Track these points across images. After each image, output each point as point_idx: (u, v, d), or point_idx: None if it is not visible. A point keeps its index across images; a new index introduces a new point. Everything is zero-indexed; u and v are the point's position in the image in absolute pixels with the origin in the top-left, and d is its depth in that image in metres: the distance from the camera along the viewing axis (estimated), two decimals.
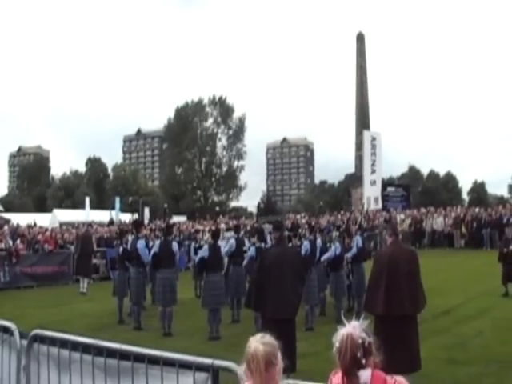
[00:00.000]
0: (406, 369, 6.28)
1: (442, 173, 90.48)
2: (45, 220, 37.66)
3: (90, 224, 29.09)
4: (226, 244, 12.98)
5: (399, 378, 2.80)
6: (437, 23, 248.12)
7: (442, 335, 9.93)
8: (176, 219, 38.88)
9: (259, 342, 2.92)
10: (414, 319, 7.06)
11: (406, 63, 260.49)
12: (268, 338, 2.99)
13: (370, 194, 36.01)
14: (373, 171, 36.34)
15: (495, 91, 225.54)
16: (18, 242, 21.36)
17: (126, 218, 34.61)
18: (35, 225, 28.24)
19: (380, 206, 36.23)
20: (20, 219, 32.20)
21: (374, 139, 36.71)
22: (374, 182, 36.24)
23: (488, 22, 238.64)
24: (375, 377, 2.74)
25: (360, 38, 44.19)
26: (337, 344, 2.76)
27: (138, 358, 3.88)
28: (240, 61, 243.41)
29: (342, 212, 36.79)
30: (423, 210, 35.22)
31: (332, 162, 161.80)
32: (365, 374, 2.72)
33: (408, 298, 6.86)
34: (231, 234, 14.04)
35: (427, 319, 9.75)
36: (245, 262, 12.83)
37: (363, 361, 2.71)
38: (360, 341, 2.72)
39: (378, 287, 7.01)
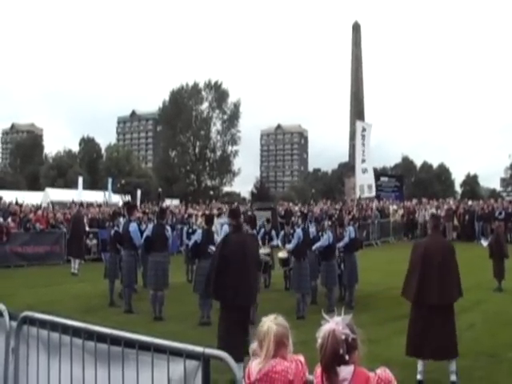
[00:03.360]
0: (438, 355, 6.96)
1: (435, 164, 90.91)
2: (37, 198, 37.42)
3: (81, 204, 28.89)
4: (220, 230, 12.92)
5: (381, 372, 2.79)
6: (432, 13, 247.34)
7: None
8: (169, 202, 38.75)
9: (273, 322, 3.03)
10: (448, 308, 7.37)
11: (402, 54, 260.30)
12: (281, 319, 3.06)
13: (363, 182, 35.82)
14: (363, 161, 36.17)
15: (490, 84, 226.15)
16: (10, 220, 21.18)
17: (118, 199, 34.44)
18: (17, 203, 27.24)
19: (374, 193, 35.95)
20: (12, 197, 31.92)
21: (363, 130, 36.51)
22: (365, 170, 36.04)
23: (482, 13, 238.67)
24: (357, 373, 2.74)
25: (356, 28, 43.81)
26: (319, 340, 2.77)
27: (129, 344, 3.82)
28: (237, 47, 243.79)
29: (335, 201, 36.77)
30: (415, 201, 35.28)
31: (326, 150, 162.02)
32: (345, 370, 2.72)
33: (438, 288, 7.14)
34: (224, 219, 13.97)
35: None
36: None
37: (346, 357, 2.71)
38: (343, 337, 2.71)
39: (412, 275, 7.36)
